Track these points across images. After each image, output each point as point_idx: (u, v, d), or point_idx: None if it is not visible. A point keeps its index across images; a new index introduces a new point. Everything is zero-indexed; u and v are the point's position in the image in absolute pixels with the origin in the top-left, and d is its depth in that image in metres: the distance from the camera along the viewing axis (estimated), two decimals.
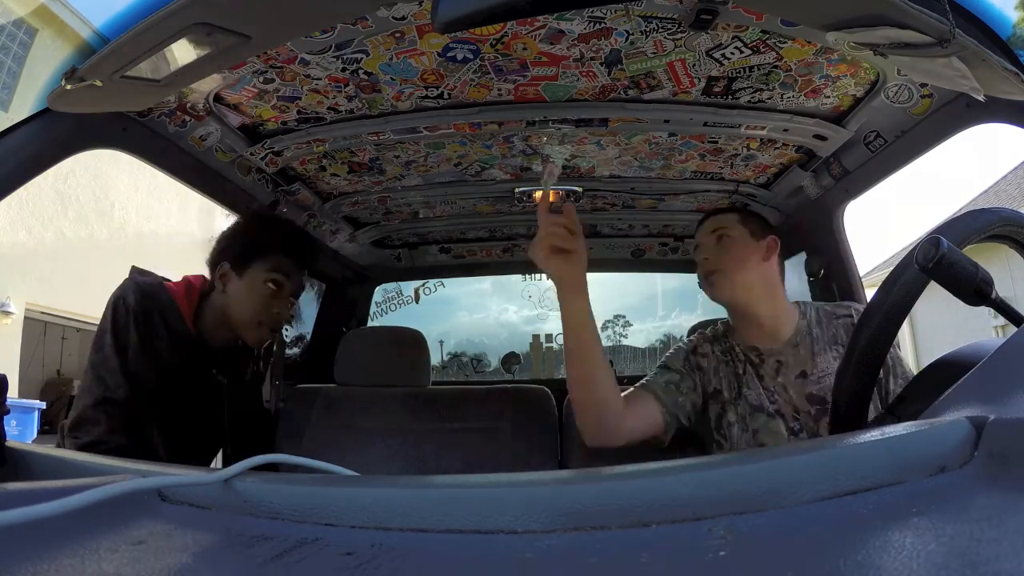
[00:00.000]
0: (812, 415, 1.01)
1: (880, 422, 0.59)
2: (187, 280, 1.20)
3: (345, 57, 1.06)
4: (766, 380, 1.06)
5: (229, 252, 1.18)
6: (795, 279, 1.80)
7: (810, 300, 1.65)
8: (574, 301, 0.89)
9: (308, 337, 2.14)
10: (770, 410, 1.03)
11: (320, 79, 1.13)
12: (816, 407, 1.02)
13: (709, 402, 1.08)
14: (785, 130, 1.31)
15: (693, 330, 1.57)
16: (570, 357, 0.92)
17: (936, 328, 7.90)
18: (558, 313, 0.92)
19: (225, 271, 1.17)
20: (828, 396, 0.94)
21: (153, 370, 1.07)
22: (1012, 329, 0.50)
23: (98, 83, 0.79)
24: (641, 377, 1.14)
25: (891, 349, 0.86)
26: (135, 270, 1.20)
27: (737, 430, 1.05)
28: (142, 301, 1.08)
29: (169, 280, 1.20)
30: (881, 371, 0.85)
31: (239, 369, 1.32)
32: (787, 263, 1.76)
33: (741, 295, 1.08)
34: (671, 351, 1.15)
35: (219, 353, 1.22)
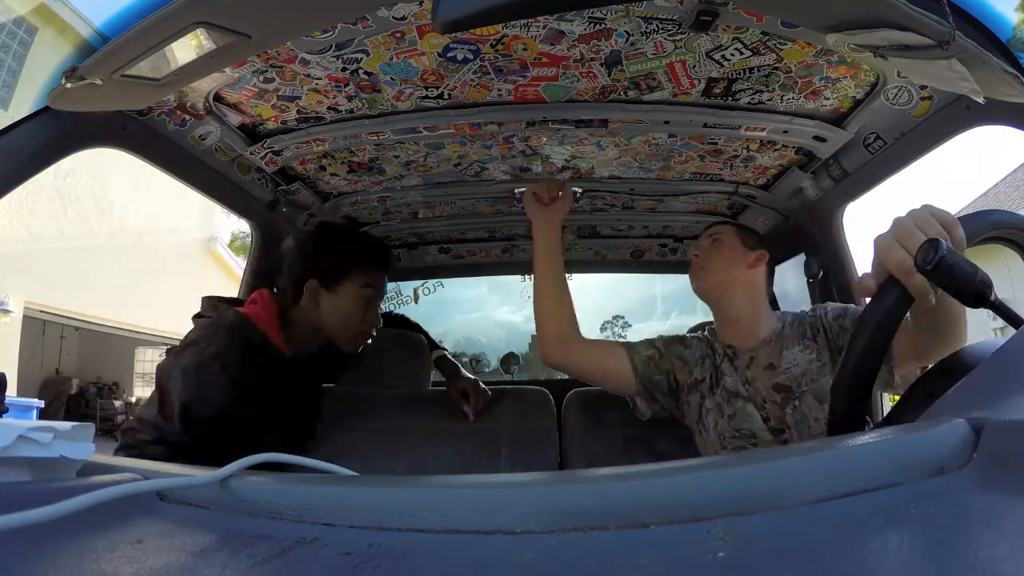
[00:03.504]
0: (778, 403, 1.13)
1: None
2: (263, 300, 1.19)
3: (345, 57, 1.06)
4: (740, 371, 1.18)
5: (317, 270, 1.19)
6: (795, 280, 1.80)
7: (809, 303, 1.65)
8: (551, 233, 1.20)
9: None
10: (744, 394, 1.15)
11: (320, 79, 1.13)
12: (781, 395, 1.13)
13: (691, 392, 1.20)
14: (785, 132, 1.31)
15: (693, 332, 1.58)
16: (541, 277, 1.19)
17: None
18: None
19: (315, 287, 1.19)
20: (793, 385, 1.12)
21: (253, 402, 1.06)
22: (1011, 331, 0.50)
23: (98, 82, 0.79)
24: None
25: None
26: (209, 303, 1.19)
27: (713, 417, 1.16)
28: (231, 344, 1.06)
29: (240, 304, 1.19)
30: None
31: (333, 370, 1.45)
32: (787, 264, 1.78)
33: (718, 291, 1.23)
34: (666, 335, 1.29)
35: (310, 362, 1.25)
